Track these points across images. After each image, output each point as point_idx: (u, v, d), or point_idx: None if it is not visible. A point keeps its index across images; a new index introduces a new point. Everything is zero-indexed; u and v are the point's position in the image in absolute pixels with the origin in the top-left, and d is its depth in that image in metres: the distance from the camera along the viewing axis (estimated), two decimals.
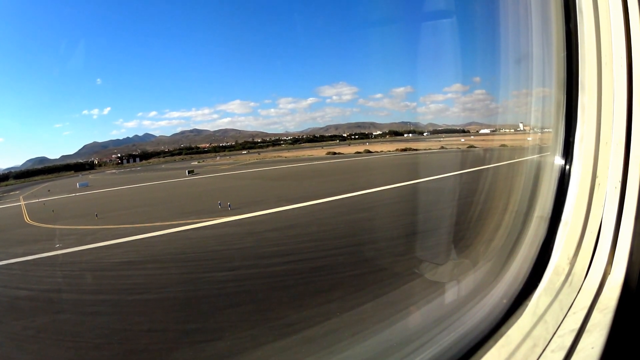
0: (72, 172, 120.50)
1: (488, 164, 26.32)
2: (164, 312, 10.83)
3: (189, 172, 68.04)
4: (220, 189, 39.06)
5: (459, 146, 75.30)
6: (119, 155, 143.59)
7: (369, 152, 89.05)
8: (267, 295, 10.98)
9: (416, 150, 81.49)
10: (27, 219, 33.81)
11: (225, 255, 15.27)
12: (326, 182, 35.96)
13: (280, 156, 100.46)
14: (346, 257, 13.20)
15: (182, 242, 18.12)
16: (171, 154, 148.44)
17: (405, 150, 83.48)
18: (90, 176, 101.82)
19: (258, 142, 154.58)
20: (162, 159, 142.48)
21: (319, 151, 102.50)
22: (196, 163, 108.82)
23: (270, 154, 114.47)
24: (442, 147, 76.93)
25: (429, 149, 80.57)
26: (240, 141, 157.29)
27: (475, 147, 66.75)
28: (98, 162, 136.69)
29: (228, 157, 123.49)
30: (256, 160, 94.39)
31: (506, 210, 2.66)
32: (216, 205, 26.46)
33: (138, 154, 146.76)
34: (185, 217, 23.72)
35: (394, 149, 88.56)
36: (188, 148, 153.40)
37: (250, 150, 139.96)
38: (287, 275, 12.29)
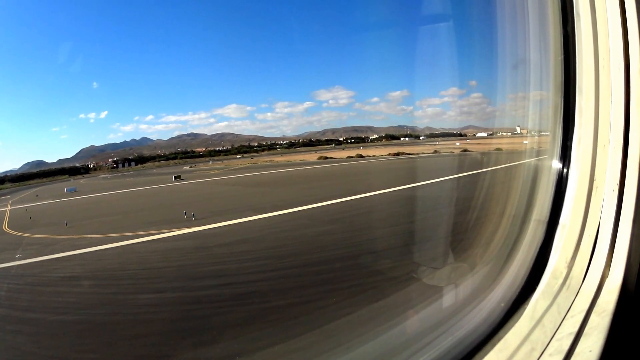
0: (67, 176, 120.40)
1: (480, 169, 25.44)
2: (74, 337, 10.49)
3: (175, 178, 67.85)
4: (197, 196, 38.72)
5: (453, 150, 74.81)
6: (115, 159, 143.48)
7: (361, 156, 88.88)
8: (175, 326, 10.28)
9: (409, 154, 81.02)
10: (5, 226, 33.83)
11: (161, 274, 14.84)
12: (305, 189, 35.32)
13: (272, 160, 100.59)
14: (283, 282, 12.29)
15: (128, 257, 17.74)
16: (166, 158, 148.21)
17: (397, 154, 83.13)
18: (81, 181, 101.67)
19: (254, 147, 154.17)
20: (156, 163, 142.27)
21: (312, 155, 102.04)
22: (188, 168, 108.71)
23: (262, 159, 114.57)
24: (436, 151, 76.48)
25: (422, 153, 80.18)
26: (237, 145, 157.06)
27: (470, 151, 66.33)
28: (94, 165, 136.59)
29: (220, 162, 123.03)
30: (247, 165, 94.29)
31: (503, 215, 2.61)
32: (184, 215, 25.83)
33: (133, 158, 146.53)
34: (148, 228, 23.25)
35: (387, 153, 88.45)
36: (184, 152, 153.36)
37: (245, 155, 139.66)
38: (210, 302, 11.60)
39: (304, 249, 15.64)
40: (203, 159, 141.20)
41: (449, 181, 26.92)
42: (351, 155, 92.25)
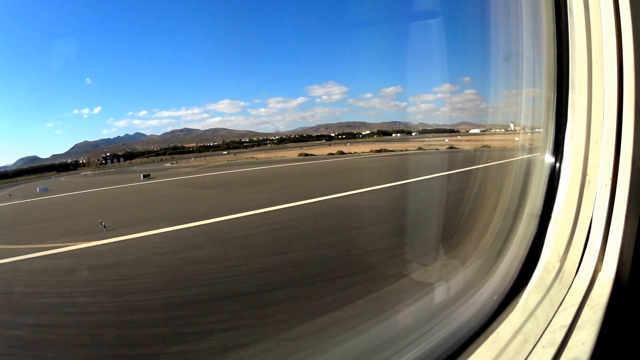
0: (56, 172, 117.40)
1: (465, 167, 24.45)
2: None
3: (144, 177, 63.45)
4: (140, 200, 36.03)
5: (439, 147, 72.81)
6: (106, 154, 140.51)
7: (342, 153, 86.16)
8: None
9: (392, 151, 78.49)
10: None
11: (6, 302, 12.74)
12: (252, 192, 32.21)
13: (254, 157, 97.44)
14: (80, 333, 7.80)
15: (4, 277, 15.78)
16: (156, 153, 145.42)
17: (379, 151, 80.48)
18: (62, 178, 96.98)
19: (244, 142, 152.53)
20: (144, 159, 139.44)
21: (295, 152, 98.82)
22: (169, 165, 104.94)
23: (246, 155, 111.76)
24: (420, 148, 74.13)
25: (405, 150, 78.42)
26: (228, 141, 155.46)
27: (456, 148, 64.52)
28: (85, 161, 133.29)
29: (202, 159, 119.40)
30: (227, 162, 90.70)
31: (494, 210, 2.61)
32: (106, 224, 24.28)
33: (122, 153, 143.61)
34: (59, 239, 20.77)
35: (369, 150, 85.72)
36: (174, 148, 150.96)
37: (231, 151, 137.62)
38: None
39: (158, 282, 10.56)
40: (191, 154, 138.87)
41: (424, 182, 24.72)
42: (332, 152, 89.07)
